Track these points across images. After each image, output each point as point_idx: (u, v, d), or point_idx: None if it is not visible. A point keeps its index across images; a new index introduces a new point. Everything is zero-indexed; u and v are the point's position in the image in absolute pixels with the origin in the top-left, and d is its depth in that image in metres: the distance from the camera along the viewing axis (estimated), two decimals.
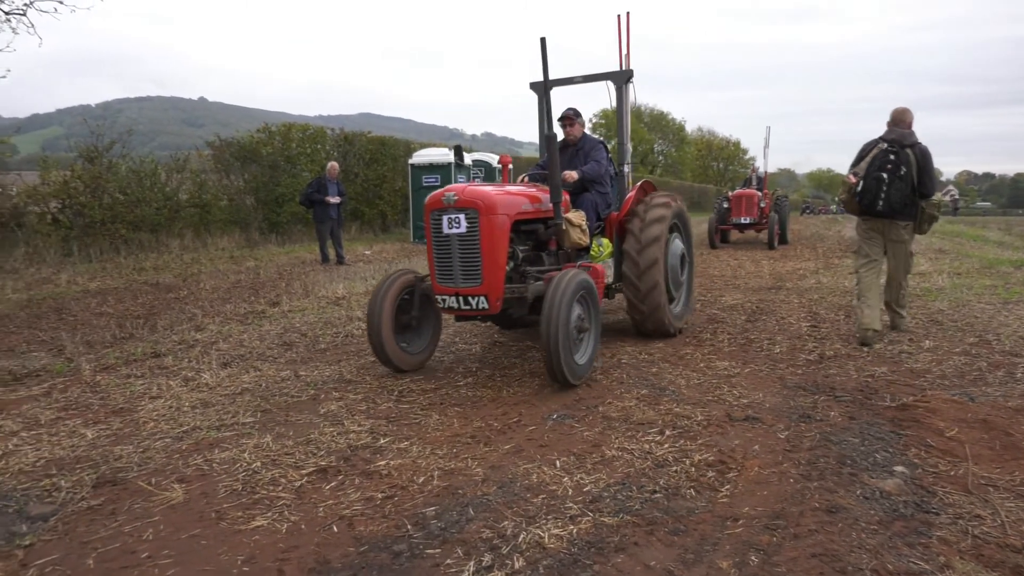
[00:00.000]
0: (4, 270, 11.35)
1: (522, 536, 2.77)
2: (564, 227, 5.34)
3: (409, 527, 2.86)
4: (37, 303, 8.70)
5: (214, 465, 3.54)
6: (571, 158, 6.21)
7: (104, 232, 13.21)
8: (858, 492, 3.16)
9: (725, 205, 17.88)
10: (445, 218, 4.87)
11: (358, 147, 18.66)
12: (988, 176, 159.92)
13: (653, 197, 6.42)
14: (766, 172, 19.22)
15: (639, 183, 6.66)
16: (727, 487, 3.24)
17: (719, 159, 70.00)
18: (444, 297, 4.96)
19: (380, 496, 3.16)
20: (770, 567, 2.54)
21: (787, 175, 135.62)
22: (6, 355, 6.00)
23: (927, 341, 6.09)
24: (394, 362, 5.12)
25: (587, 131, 6.50)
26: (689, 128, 68.47)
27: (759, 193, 17.76)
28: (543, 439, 3.86)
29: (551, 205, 5.30)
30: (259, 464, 3.53)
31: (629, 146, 6.65)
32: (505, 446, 3.76)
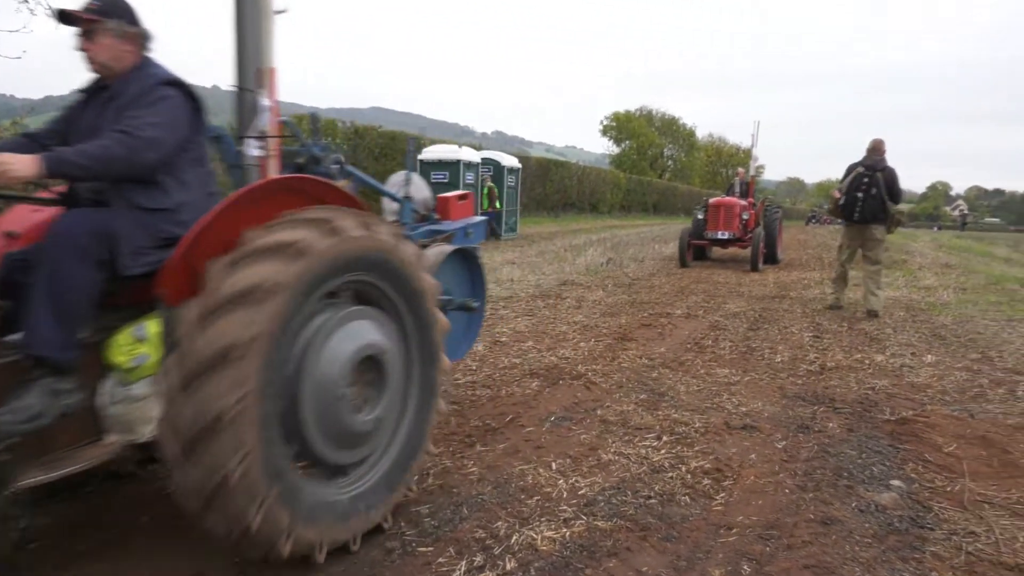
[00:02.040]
0: None
1: (515, 537, 2.77)
2: None
3: (403, 524, 2.87)
4: None
5: None
6: (96, 117, 2.59)
7: None
8: (853, 505, 3.15)
9: (701, 216, 14.51)
10: None
11: (368, 141, 18.70)
12: (998, 192, 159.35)
13: (284, 221, 2.48)
14: (752, 177, 16.24)
15: (280, 177, 3.12)
16: (722, 495, 3.24)
17: (728, 165, 69.92)
18: None
19: None
20: None
21: (795, 184, 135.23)
22: None
23: (929, 356, 6.08)
24: None
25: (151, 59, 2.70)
26: (700, 134, 68.43)
27: (742, 202, 14.41)
28: (540, 441, 3.86)
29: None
30: None
31: (266, 101, 3.35)
32: (501, 446, 3.77)
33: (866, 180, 8.02)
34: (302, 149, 3.45)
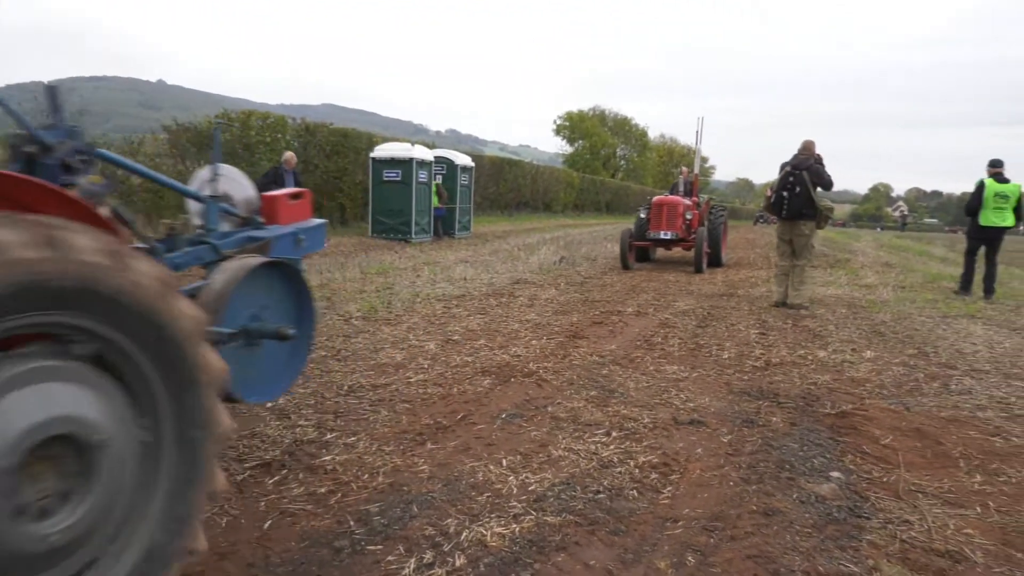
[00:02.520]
0: None
1: (465, 534, 2.78)
2: None
3: (352, 523, 2.85)
4: None
5: None
6: None
7: None
8: (795, 496, 3.24)
9: (643, 215, 13.81)
10: None
11: (319, 138, 18.42)
12: (936, 194, 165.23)
13: None
14: (696, 175, 15.44)
15: None
16: (669, 489, 3.30)
17: (680, 165, 71.00)
18: None
19: (324, 491, 3.14)
20: (706, 568, 2.60)
21: (745, 185, 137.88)
22: None
23: (869, 351, 6.28)
24: None
25: None
26: (652, 135, 69.32)
27: (686, 201, 13.81)
28: (491, 438, 3.88)
29: None
30: None
31: None
32: (452, 444, 3.77)
33: (791, 179, 8.57)
34: (31, 135, 2.41)
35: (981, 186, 10.25)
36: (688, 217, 13.45)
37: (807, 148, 8.70)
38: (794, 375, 5.43)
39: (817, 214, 8.63)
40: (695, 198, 14.49)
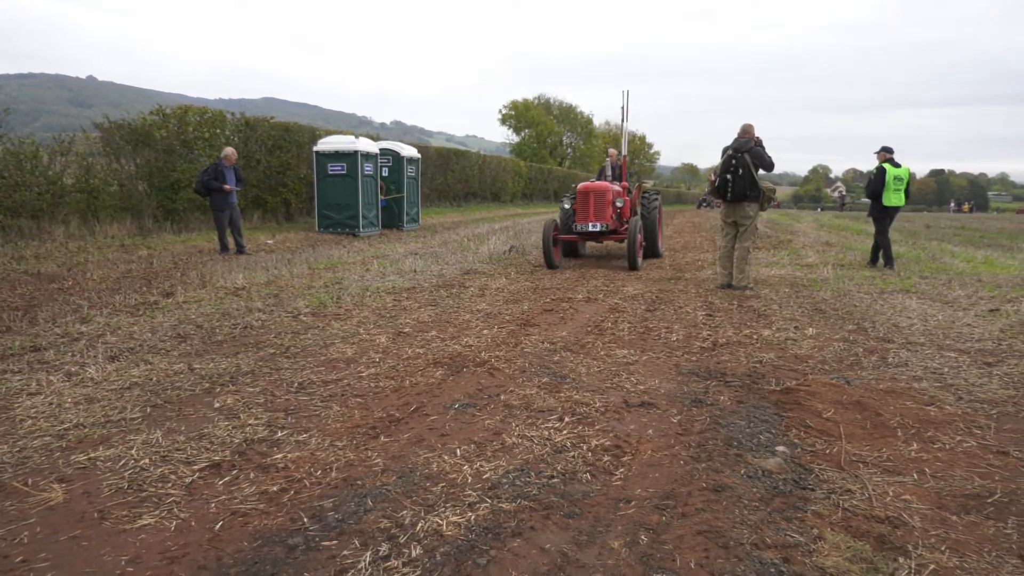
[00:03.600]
0: None
1: (420, 524, 2.78)
2: None
3: (305, 520, 2.83)
4: None
5: (98, 463, 3.38)
6: None
7: None
8: (742, 472, 3.33)
9: (568, 205, 12.03)
10: None
11: (260, 133, 18.03)
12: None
13: None
14: (625, 157, 13.29)
15: None
16: (621, 470, 3.35)
17: (607, 147, 71.70)
18: None
19: (276, 489, 3.11)
20: (659, 545, 2.66)
21: (690, 170, 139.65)
22: None
23: (810, 328, 6.46)
24: None
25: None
26: (597, 122, 69.78)
27: (616, 187, 12.11)
28: (444, 428, 3.88)
29: None
30: (147, 461, 3.40)
31: None
32: (406, 436, 3.76)
33: (734, 162, 8.77)
34: None
35: (882, 171, 11.35)
36: (619, 205, 11.88)
37: (746, 131, 8.88)
38: (740, 354, 5.56)
39: (760, 195, 8.85)
40: (624, 183, 12.97)
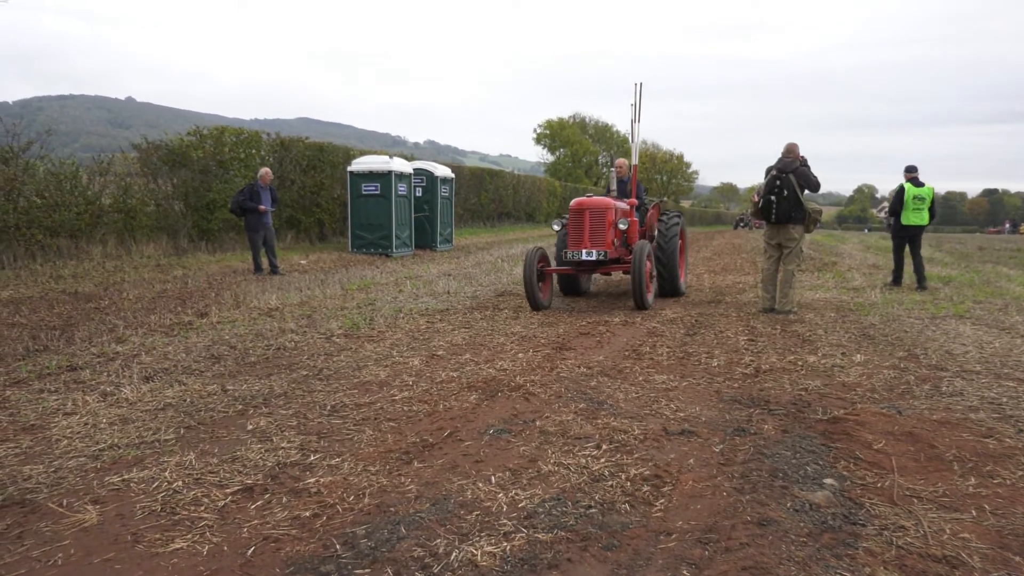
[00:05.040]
0: None
1: (454, 554, 2.70)
2: None
3: (338, 547, 2.76)
4: None
5: (132, 485, 3.36)
6: None
7: (19, 237, 12.56)
8: (789, 505, 3.19)
9: (556, 227, 9.64)
10: None
11: (295, 153, 18.29)
12: None
13: None
14: (635, 167, 10.22)
15: None
16: (662, 501, 3.23)
17: (663, 172, 71.57)
18: None
19: (308, 515, 3.05)
20: None
21: (729, 190, 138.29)
22: None
23: (858, 355, 6.26)
24: None
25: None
26: None
27: (621, 205, 9.64)
28: (479, 455, 3.80)
29: None
30: (180, 483, 3.37)
31: None
32: (439, 462, 3.69)
33: (778, 182, 8.51)
34: None
35: (901, 190, 11.40)
36: (622, 227, 9.27)
37: (791, 151, 8.66)
38: (784, 381, 5.40)
39: (806, 217, 8.61)
40: (633, 199, 10.13)
